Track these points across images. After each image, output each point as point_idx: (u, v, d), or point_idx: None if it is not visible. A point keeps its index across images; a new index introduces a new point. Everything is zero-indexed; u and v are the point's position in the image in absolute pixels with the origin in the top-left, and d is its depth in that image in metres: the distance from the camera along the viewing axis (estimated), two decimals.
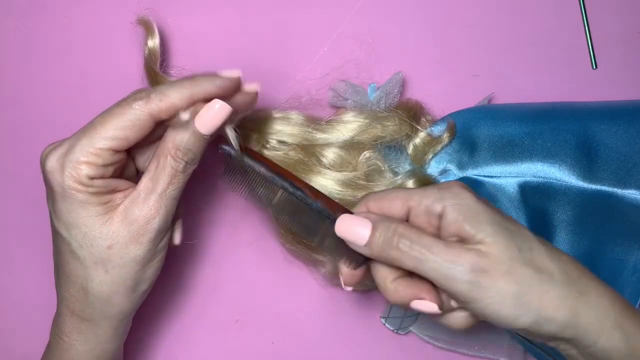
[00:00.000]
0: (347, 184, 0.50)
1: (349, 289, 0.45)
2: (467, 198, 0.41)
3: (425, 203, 0.41)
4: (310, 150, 0.51)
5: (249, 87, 0.46)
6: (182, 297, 0.56)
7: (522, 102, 0.55)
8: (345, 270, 0.44)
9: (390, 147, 0.53)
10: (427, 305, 0.41)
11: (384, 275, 0.42)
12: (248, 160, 0.45)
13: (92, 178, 0.41)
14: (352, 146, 0.51)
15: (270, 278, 0.57)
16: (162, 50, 0.52)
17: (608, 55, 0.57)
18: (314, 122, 0.52)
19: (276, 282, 0.57)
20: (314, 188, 0.45)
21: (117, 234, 0.42)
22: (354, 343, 0.56)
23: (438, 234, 0.41)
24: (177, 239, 0.48)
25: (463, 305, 0.40)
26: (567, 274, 0.40)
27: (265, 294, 0.57)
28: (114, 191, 0.42)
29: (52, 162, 0.41)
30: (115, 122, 0.41)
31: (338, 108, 0.54)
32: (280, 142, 0.52)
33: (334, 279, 0.54)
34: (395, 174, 0.52)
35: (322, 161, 0.51)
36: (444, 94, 0.56)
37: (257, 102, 0.48)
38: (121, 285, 0.43)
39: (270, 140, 0.52)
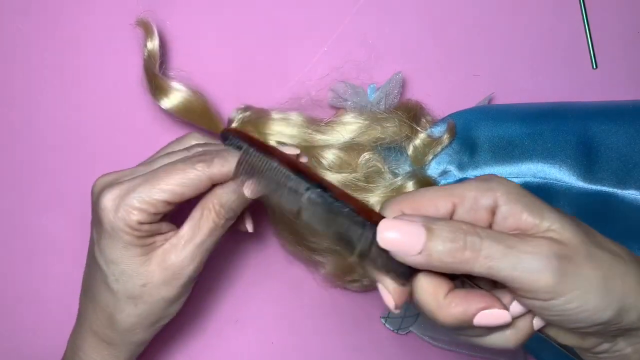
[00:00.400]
0: (346, 185, 0.50)
1: (398, 311, 0.37)
2: (514, 186, 0.36)
3: (472, 196, 0.36)
4: (309, 152, 0.51)
5: (290, 150, 0.47)
6: None
7: (522, 102, 0.55)
8: (394, 288, 0.36)
9: (390, 149, 0.53)
10: (498, 315, 0.35)
11: (433, 291, 0.35)
12: (262, 156, 0.40)
13: (141, 223, 0.42)
14: (351, 147, 0.51)
15: (270, 278, 0.57)
16: (161, 52, 0.52)
17: (608, 55, 0.57)
18: (313, 123, 0.52)
19: (276, 282, 0.57)
20: (341, 189, 0.38)
21: (153, 275, 0.44)
22: (354, 343, 0.57)
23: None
24: (249, 227, 0.50)
25: (540, 307, 0.35)
26: (632, 255, 0.36)
27: (265, 294, 0.57)
28: (156, 234, 0.44)
29: (108, 201, 0.42)
30: (177, 178, 0.42)
31: (338, 109, 0.54)
32: (280, 143, 0.52)
33: (334, 279, 0.54)
34: (395, 175, 0.52)
35: (321, 162, 0.51)
36: (444, 94, 0.56)
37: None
38: (146, 319, 0.45)
39: (269, 141, 0.51)
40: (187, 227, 0.44)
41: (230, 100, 0.55)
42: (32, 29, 0.57)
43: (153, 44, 0.52)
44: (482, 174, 0.52)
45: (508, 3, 0.57)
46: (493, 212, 0.36)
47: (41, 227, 0.56)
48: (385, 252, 0.35)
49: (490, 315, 0.35)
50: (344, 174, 0.51)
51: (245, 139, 0.44)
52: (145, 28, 0.52)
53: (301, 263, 0.56)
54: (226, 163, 0.43)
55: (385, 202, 0.38)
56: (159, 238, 0.44)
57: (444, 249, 0.34)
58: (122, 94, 0.56)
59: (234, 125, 0.52)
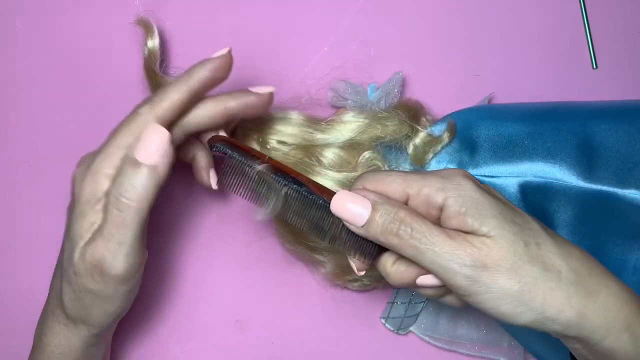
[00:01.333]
0: (346, 184, 0.50)
1: (362, 273, 0.44)
2: (469, 189, 0.39)
3: (425, 192, 0.40)
4: (310, 151, 0.51)
5: (265, 89, 0.47)
6: (181, 297, 0.56)
7: (522, 102, 0.55)
8: (357, 260, 0.43)
9: (390, 147, 0.53)
10: (431, 280, 0.40)
11: (384, 261, 0.42)
12: (245, 160, 0.44)
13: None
14: (352, 146, 0.51)
15: (270, 278, 0.57)
16: (161, 51, 0.52)
17: (608, 55, 0.57)
18: (314, 122, 0.52)
19: (276, 282, 0.57)
20: (317, 183, 0.43)
21: (78, 265, 0.42)
22: (354, 343, 0.56)
23: (438, 225, 0.40)
24: (213, 183, 0.49)
25: (461, 297, 0.40)
26: (575, 271, 0.38)
27: (265, 294, 0.57)
28: None
29: (77, 174, 0.43)
30: (125, 130, 0.42)
31: (338, 108, 0.54)
32: (280, 142, 0.52)
33: (334, 279, 0.54)
34: None
35: (321, 161, 0.51)
36: (444, 94, 0.56)
37: (272, 103, 0.48)
38: (83, 308, 0.43)
39: (270, 140, 0.51)
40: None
41: None
42: (32, 29, 0.57)
43: (153, 43, 0.52)
44: (482, 173, 0.52)
45: (508, 3, 0.57)
46: (441, 209, 0.40)
47: (41, 227, 0.56)
48: (353, 235, 0.41)
49: (427, 278, 0.41)
50: (344, 173, 0.50)
51: (229, 145, 0.44)
52: (146, 27, 0.52)
53: (301, 263, 0.56)
54: (165, 96, 0.43)
55: (359, 176, 0.43)
56: None
57: (379, 230, 0.39)
58: (122, 93, 0.56)
59: (233, 124, 0.52)
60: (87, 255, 0.41)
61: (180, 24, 0.56)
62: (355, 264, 0.44)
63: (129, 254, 0.42)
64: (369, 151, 0.51)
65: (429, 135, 0.53)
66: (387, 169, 0.52)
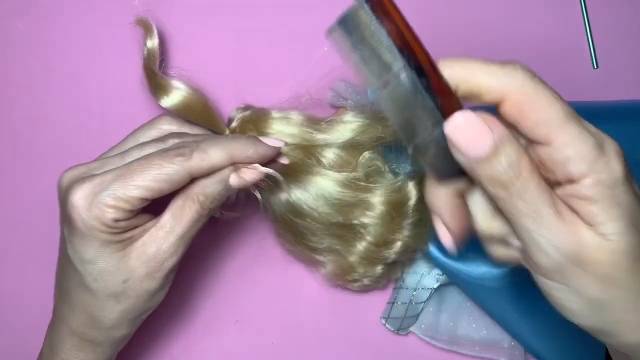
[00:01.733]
0: (346, 184, 0.50)
1: (451, 245, 0.39)
2: (618, 175, 0.32)
3: (567, 154, 0.32)
4: (310, 151, 0.51)
5: (274, 142, 0.45)
6: (181, 297, 0.56)
7: None
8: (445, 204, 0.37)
9: (391, 147, 0.52)
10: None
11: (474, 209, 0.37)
12: (371, 13, 0.34)
13: (117, 221, 0.40)
14: (352, 146, 0.51)
15: (270, 278, 0.57)
16: (161, 51, 0.52)
17: (608, 55, 0.57)
18: (314, 122, 0.52)
19: (276, 282, 0.57)
20: (440, 75, 0.34)
21: (134, 270, 0.41)
22: (354, 343, 0.56)
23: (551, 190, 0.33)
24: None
25: (531, 270, 0.35)
26: None
27: (265, 294, 0.57)
28: (134, 227, 0.42)
29: (79, 199, 0.39)
30: (153, 173, 0.40)
31: (338, 108, 0.54)
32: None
33: (334, 279, 0.54)
34: (396, 174, 0.52)
35: (321, 161, 0.51)
36: None
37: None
38: (130, 313, 0.43)
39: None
40: (167, 217, 0.42)
41: (230, 99, 0.55)
42: (32, 29, 0.57)
43: (153, 43, 0.52)
44: None
45: (508, 3, 0.57)
46: (571, 181, 0.33)
47: (40, 227, 0.56)
48: (442, 153, 0.34)
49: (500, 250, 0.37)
50: (344, 173, 0.50)
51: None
52: (145, 27, 0.52)
53: (301, 263, 0.56)
54: (206, 157, 0.41)
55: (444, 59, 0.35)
56: (136, 230, 0.42)
57: (491, 175, 0.33)
58: (122, 93, 0.56)
59: (233, 125, 0.52)
60: (147, 257, 0.41)
61: (180, 24, 0.56)
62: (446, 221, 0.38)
63: (184, 250, 0.43)
64: (369, 151, 0.51)
65: None
66: (388, 169, 0.51)
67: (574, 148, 0.32)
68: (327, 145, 0.51)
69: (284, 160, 0.47)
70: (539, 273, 0.34)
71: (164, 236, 0.41)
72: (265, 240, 0.56)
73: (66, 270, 0.43)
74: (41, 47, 0.57)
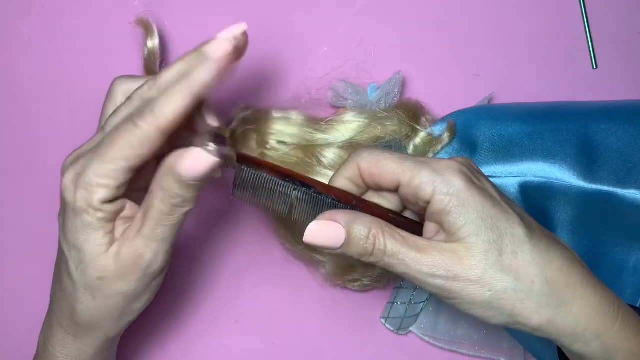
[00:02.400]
0: None
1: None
2: (459, 188, 0.39)
3: (416, 184, 0.40)
4: (310, 151, 0.51)
5: (232, 31, 0.40)
6: (181, 297, 0.56)
7: (522, 102, 0.55)
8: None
9: (391, 147, 0.52)
10: None
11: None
12: (251, 170, 0.42)
13: (103, 202, 0.39)
14: (352, 146, 0.51)
15: (270, 278, 0.57)
16: (161, 51, 0.52)
17: (608, 55, 0.57)
18: (314, 122, 0.52)
19: (276, 282, 0.57)
20: (323, 183, 0.43)
21: (107, 268, 0.40)
22: (354, 343, 0.56)
23: (423, 213, 0.41)
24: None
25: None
26: (550, 282, 0.39)
27: (265, 294, 0.57)
28: (119, 217, 0.41)
29: (67, 181, 0.39)
30: (125, 140, 0.38)
31: (338, 108, 0.54)
32: (280, 142, 0.52)
33: (334, 279, 0.54)
34: None
35: (321, 161, 0.51)
36: (444, 94, 0.56)
37: (247, 46, 0.41)
38: (106, 313, 0.42)
39: (270, 140, 0.52)
40: (139, 215, 0.40)
41: (230, 99, 0.55)
42: (32, 29, 0.57)
43: (153, 43, 0.52)
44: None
45: (508, 3, 0.57)
46: (429, 203, 0.40)
47: (40, 226, 0.56)
48: None
49: None
50: None
51: (238, 157, 0.42)
52: (146, 27, 0.52)
53: (301, 263, 0.56)
54: (167, 103, 0.38)
55: (353, 153, 0.43)
56: (119, 224, 0.40)
57: (355, 251, 0.40)
58: None
59: (233, 125, 0.52)
60: (120, 257, 0.40)
61: (180, 24, 0.56)
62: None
63: (168, 250, 0.41)
64: None
65: (429, 135, 0.53)
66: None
67: (417, 179, 0.40)
68: (327, 145, 0.51)
69: (238, 29, 0.40)
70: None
71: (133, 236, 0.40)
72: (265, 240, 0.56)
73: (59, 257, 0.42)
74: (41, 48, 0.57)
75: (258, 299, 0.57)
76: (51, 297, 0.45)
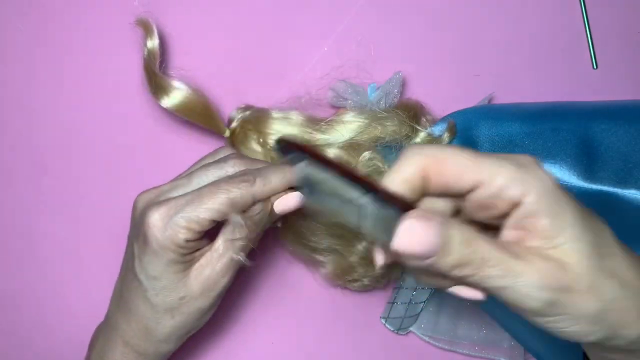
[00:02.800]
0: None
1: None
2: (552, 186, 0.33)
3: (500, 183, 0.33)
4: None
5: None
6: None
7: (522, 102, 0.55)
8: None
9: (390, 148, 0.52)
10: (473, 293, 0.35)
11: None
12: (322, 171, 0.37)
13: (187, 241, 0.43)
14: (352, 146, 0.51)
15: (271, 278, 0.57)
16: (161, 51, 0.52)
17: (608, 55, 0.57)
18: (313, 122, 0.52)
19: (276, 282, 0.57)
20: (387, 188, 0.35)
21: (191, 288, 0.44)
22: (354, 343, 0.56)
23: (497, 219, 0.34)
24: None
25: (527, 317, 0.34)
26: None
27: (265, 294, 0.57)
28: (197, 250, 0.44)
29: (156, 220, 0.42)
30: (222, 197, 0.42)
31: (338, 108, 0.54)
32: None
33: (334, 279, 0.54)
34: None
35: None
36: (444, 94, 0.56)
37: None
38: (180, 329, 0.46)
39: (270, 140, 0.51)
40: (220, 242, 0.44)
41: (230, 99, 0.55)
42: (32, 29, 0.57)
43: (153, 43, 0.52)
44: None
45: (508, 3, 0.57)
46: (515, 205, 0.34)
47: (40, 227, 0.56)
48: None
49: (465, 292, 0.36)
50: None
51: (300, 150, 0.40)
52: (145, 27, 0.52)
53: (301, 263, 0.56)
54: (267, 182, 0.44)
55: (409, 150, 0.36)
56: (197, 253, 0.45)
57: (453, 261, 0.33)
58: (122, 93, 0.56)
59: (233, 125, 0.52)
60: (203, 277, 0.44)
61: (180, 25, 0.56)
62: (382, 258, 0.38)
63: (235, 271, 0.46)
64: (369, 151, 0.51)
65: (429, 135, 0.53)
66: (388, 169, 0.51)
67: (501, 176, 0.33)
68: (327, 145, 0.51)
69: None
70: (535, 315, 0.34)
71: (217, 258, 0.44)
72: (266, 240, 0.56)
73: (129, 284, 0.45)
74: (41, 48, 0.57)
75: (258, 299, 0.57)
76: (111, 319, 0.48)
